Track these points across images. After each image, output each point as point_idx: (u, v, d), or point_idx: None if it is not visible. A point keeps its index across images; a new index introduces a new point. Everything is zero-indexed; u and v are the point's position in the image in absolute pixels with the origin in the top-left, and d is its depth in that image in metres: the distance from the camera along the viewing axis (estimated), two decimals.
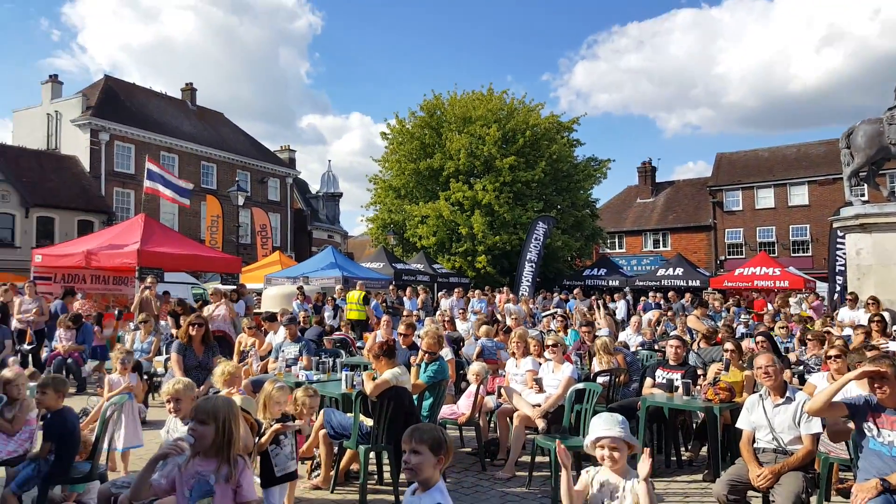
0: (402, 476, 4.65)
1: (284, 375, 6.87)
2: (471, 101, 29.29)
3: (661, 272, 25.22)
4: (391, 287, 17.38)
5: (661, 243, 39.49)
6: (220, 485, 2.63)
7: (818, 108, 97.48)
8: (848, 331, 9.60)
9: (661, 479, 5.82)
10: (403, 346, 7.31)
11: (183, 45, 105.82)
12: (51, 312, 11.07)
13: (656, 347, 9.61)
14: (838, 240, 18.28)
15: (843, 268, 17.32)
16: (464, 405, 6.52)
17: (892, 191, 17.64)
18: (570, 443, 5.06)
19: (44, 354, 10.61)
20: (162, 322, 11.21)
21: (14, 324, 10.48)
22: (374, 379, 5.36)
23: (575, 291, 17.15)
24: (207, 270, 17.26)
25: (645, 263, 34.94)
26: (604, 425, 3.08)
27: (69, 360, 9.58)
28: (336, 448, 5.39)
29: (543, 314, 15.16)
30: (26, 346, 10.42)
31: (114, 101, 31.95)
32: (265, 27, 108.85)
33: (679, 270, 24.48)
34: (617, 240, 40.59)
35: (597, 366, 7.44)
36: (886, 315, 9.56)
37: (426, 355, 6.18)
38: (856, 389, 4.33)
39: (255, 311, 13.41)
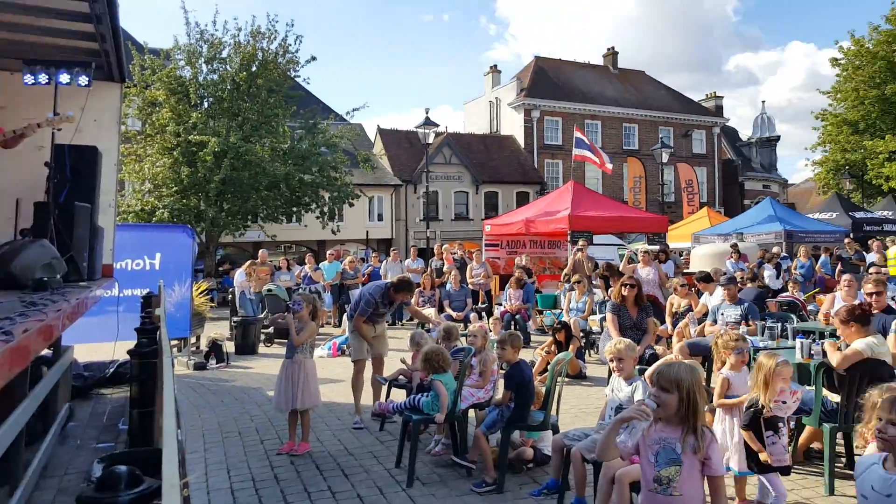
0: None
1: None
2: None
3: None
4: (847, 240, 14.68)
5: None
6: (687, 455, 2.54)
7: None
8: None
9: None
10: (875, 312, 6.03)
11: (602, 10, 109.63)
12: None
13: None
14: None
15: None
16: None
17: None
18: None
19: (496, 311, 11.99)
20: (595, 282, 11.62)
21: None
22: (839, 349, 4.64)
23: None
24: (634, 231, 17.64)
25: None
26: None
27: (517, 316, 10.76)
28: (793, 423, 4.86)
29: None
30: (480, 305, 12.12)
31: (543, 80, 35.19)
32: None
33: None
34: None
35: None
36: None
37: None
38: None
39: (684, 270, 13.11)
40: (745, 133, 43.51)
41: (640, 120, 35.54)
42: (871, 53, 24.54)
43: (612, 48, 39.49)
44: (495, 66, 37.63)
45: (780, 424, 3.83)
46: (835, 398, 4.65)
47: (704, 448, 2.53)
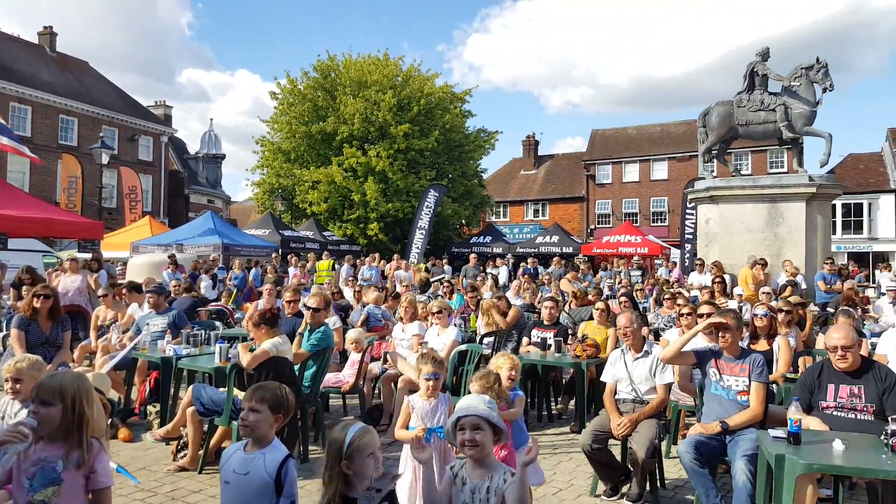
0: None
1: (149, 350, 6.37)
2: (366, 66, 28.74)
3: (539, 240, 26.47)
4: (274, 255, 16.80)
5: (540, 213, 41.43)
6: (69, 471, 2.36)
7: (683, 90, 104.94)
8: (696, 292, 10.59)
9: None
10: (288, 315, 7.03)
11: None
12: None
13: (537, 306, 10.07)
14: (688, 210, 20.08)
15: (691, 235, 19.07)
16: (347, 373, 6.45)
17: (737, 167, 19.39)
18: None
19: None
20: (5, 296, 10.09)
21: None
22: (251, 350, 5.11)
23: (472, 258, 17.67)
24: (62, 236, 15.67)
25: (526, 232, 36.34)
26: (466, 404, 2.59)
27: None
28: (206, 426, 5.11)
29: (433, 279, 15.40)
30: None
31: None
32: None
33: (555, 238, 25.79)
34: (502, 209, 42.02)
35: (483, 328, 7.69)
36: (727, 278, 10.68)
37: (311, 314, 5.94)
38: (703, 342, 4.77)
39: (119, 281, 12.44)
40: (193, 147, 44.79)
41: (80, 114, 32.07)
42: (302, 94, 28.61)
43: (51, 28, 34.61)
44: None
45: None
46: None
47: (90, 460, 2.39)
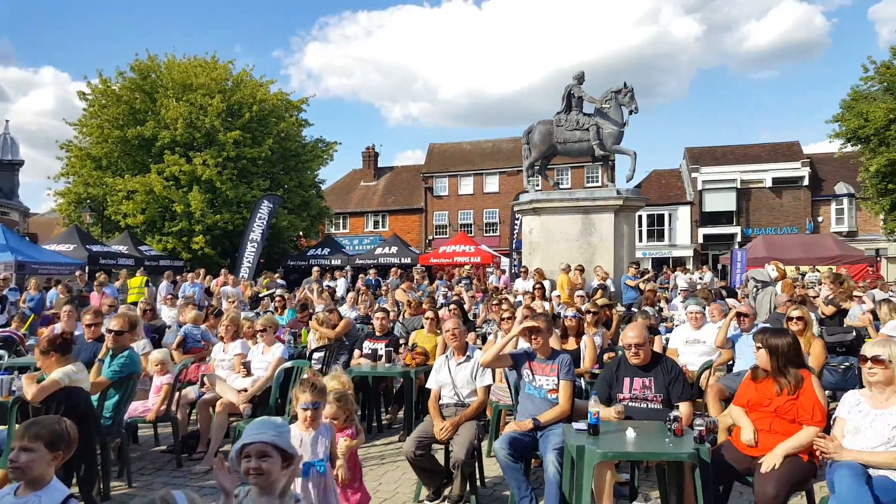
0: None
1: None
2: (192, 68, 26.98)
3: (378, 251, 26.54)
4: (78, 273, 15.03)
5: (380, 224, 41.72)
6: None
7: (512, 108, 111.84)
8: (521, 297, 11.31)
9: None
10: (88, 340, 6.29)
11: None
12: None
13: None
14: (515, 221, 21.42)
15: (517, 245, 20.38)
16: (153, 400, 5.91)
17: (556, 182, 21.10)
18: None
19: None
20: None
21: None
22: (39, 381, 4.56)
23: (314, 271, 17.16)
24: None
25: (366, 243, 36.32)
26: (252, 430, 2.37)
27: None
28: None
29: (263, 294, 14.75)
30: None
31: None
32: None
33: (394, 249, 26.04)
34: (342, 220, 41.67)
35: (314, 342, 7.51)
36: (547, 283, 11.52)
37: (113, 337, 5.35)
38: (522, 345, 5.04)
39: None
40: None
41: None
42: (117, 96, 26.09)
43: None
44: None
45: None
46: None
47: None
